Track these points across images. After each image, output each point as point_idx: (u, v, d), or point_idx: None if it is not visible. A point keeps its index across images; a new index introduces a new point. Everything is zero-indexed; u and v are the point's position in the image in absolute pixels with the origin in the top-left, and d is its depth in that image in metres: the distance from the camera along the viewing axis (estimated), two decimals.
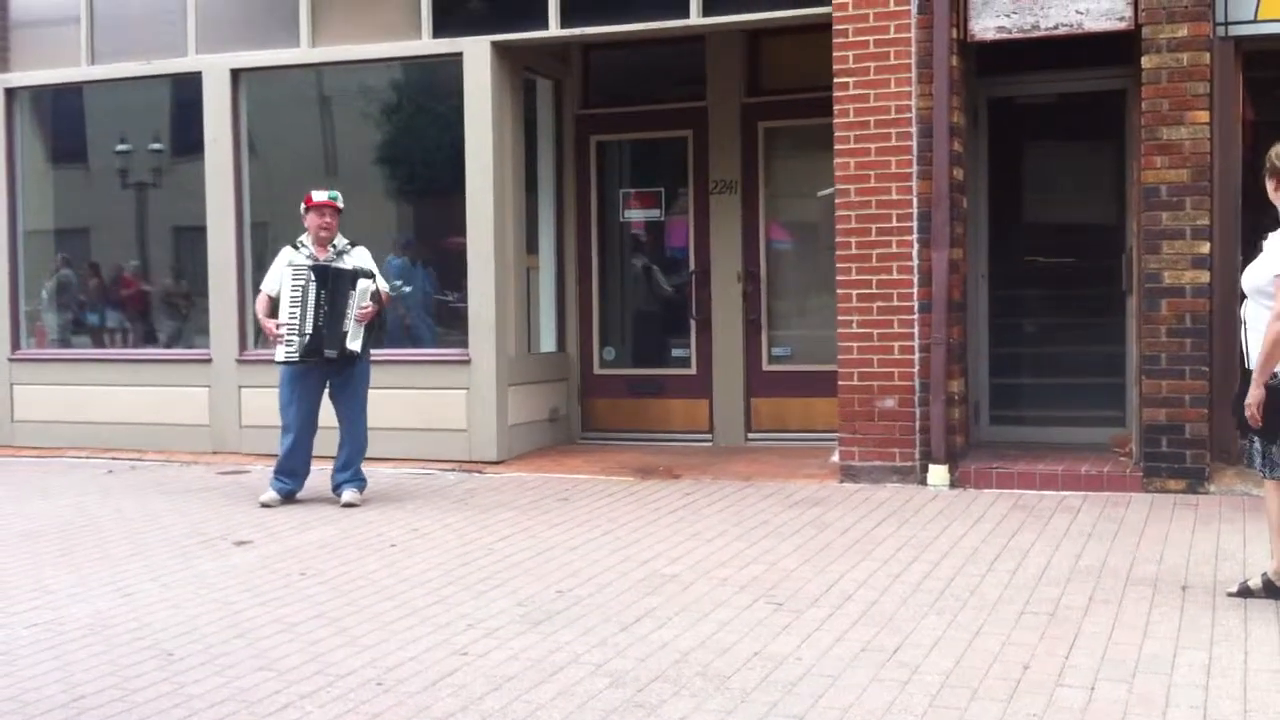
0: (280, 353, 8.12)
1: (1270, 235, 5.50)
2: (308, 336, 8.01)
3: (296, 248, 8.22)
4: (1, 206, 11.15)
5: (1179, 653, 4.79)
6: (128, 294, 11.53)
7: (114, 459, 10.33)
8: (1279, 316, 5.17)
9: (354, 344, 8.09)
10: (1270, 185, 5.51)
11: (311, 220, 8.18)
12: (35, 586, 6.18)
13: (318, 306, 8.00)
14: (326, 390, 8.26)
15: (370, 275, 8.20)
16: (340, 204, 8.24)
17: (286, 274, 8.11)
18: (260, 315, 8.33)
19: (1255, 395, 5.28)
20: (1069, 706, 4.25)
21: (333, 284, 8.05)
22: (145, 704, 4.47)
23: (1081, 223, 9.77)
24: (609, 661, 4.83)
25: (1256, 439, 5.43)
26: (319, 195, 8.20)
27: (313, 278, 8.03)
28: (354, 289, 8.08)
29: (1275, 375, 5.29)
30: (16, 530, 7.60)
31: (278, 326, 8.07)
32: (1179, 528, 6.94)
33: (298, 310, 8.01)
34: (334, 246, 8.20)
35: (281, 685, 4.64)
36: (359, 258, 8.25)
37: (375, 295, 8.19)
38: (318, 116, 11.10)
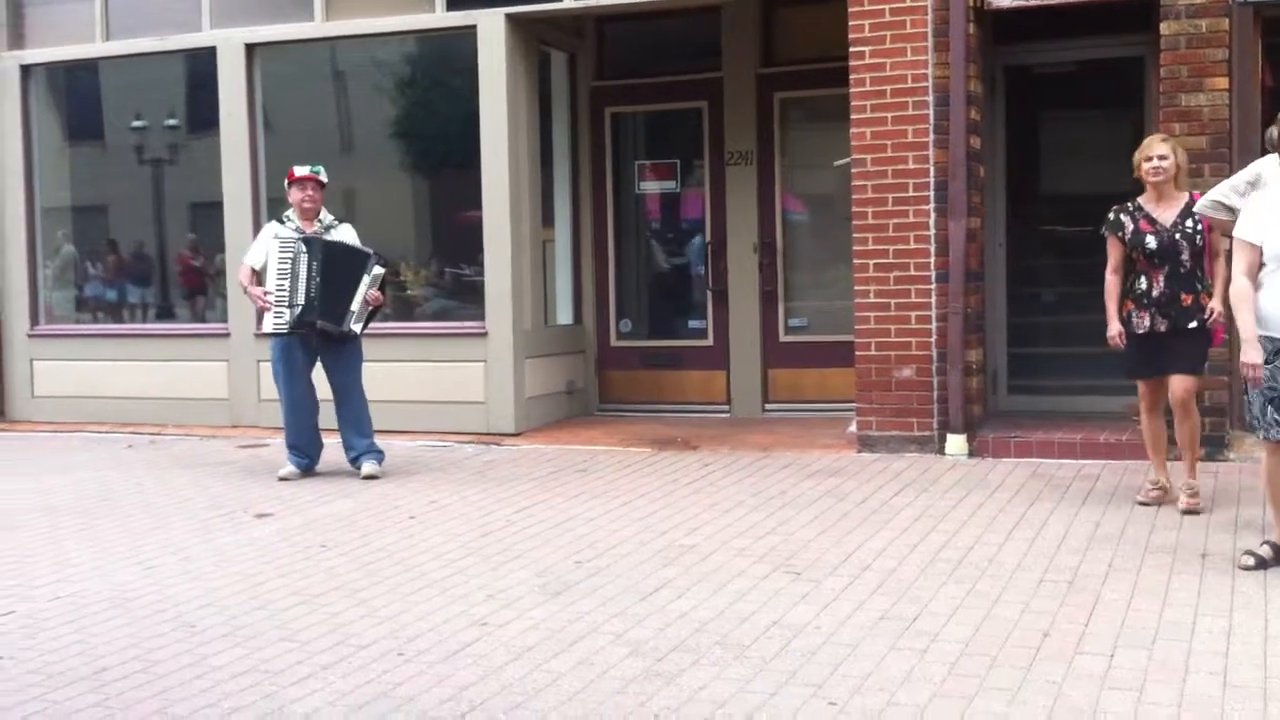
0: (268, 322, 8.10)
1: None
2: (299, 308, 8.00)
3: (282, 222, 8.20)
4: (18, 184, 11.16)
5: (1198, 619, 4.79)
6: (145, 270, 11.55)
7: (133, 434, 10.37)
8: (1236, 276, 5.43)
9: (356, 325, 8.08)
10: None
11: (294, 195, 8.15)
12: (57, 560, 6.23)
13: (309, 278, 7.98)
14: (320, 362, 8.25)
15: (385, 262, 8.18)
16: (324, 178, 8.19)
17: (274, 246, 8.08)
18: (244, 284, 8.24)
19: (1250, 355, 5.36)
20: (1089, 673, 4.25)
21: (344, 261, 8.03)
22: (167, 675, 4.50)
23: (1099, 191, 9.69)
24: (628, 631, 4.85)
25: (1254, 399, 5.47)
26: (300, 170, 8.17)
27: (303, 249, 8.01)
28: (368, 272, 8.07)
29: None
30: (38, 505, 7.65)
31: (265, 294, 8.06)
32: None
33: (286, 282, 8.00)
34: (320, 221, 8.19)
35: (303, 656, 4.67)
36: (344, 234, 8.24)
37: (383, 284, 8.19)
38: (332, 91, 11.09)
